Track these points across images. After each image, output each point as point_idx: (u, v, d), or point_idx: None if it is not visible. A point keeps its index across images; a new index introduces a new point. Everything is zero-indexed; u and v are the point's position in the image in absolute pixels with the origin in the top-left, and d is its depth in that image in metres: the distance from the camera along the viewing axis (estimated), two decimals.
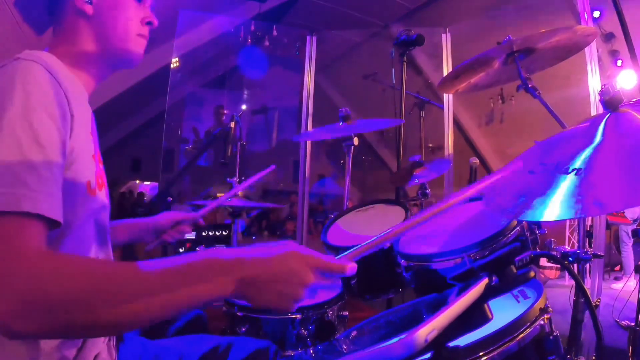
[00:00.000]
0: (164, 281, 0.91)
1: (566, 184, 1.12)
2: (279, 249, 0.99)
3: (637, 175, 1.07)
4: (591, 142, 1.22)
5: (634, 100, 1.40)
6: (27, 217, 0.91)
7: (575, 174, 1.13)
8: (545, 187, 1.16)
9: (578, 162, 1.17)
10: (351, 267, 1.01)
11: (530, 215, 1.13)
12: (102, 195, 1.29)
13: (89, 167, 1.18)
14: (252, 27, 8.08)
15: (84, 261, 1.00)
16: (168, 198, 3.63)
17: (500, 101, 9.37)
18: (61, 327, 0.86)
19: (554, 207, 1.09)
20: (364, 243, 1.08)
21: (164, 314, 0.92)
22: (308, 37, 6.09)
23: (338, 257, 1.05)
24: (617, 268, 7.69)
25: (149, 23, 1.40)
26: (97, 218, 1.26)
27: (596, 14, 5.98)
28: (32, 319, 0.83)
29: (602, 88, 1.35)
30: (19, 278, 0.84)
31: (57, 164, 1.00)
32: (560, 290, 5.98)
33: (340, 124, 2.90)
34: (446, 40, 5.74)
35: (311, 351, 1.47)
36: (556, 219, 1.06)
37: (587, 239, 4.19)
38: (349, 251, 1.07)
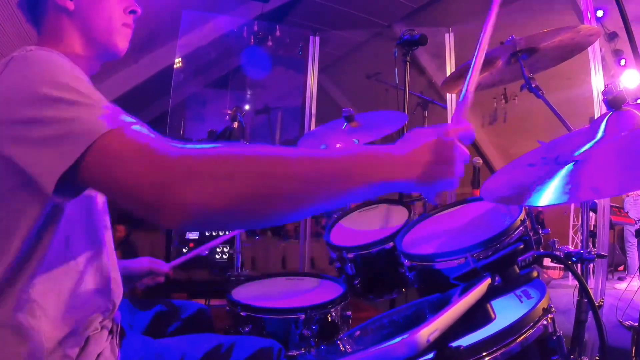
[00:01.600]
0: (343, 161, 0.95)
1: (564, 173, 1.13)
2: (420, 139, 1.03)
3: (633, 164, 1.07)
4: (592, 138, 1.23)
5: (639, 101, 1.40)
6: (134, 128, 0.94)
7: (573, 165, 1.14)
8: (544, 178, 1.17)
9: (577, 155, 1.18)
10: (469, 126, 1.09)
11: (527, 201, 1.14)
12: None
13: None
14: (255, 27, 8.08)
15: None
16: None
17: (503, 101, 9.36)
18: (242, 195, 0.88)
19: (549, 194, 1.10)
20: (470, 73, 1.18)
21: (337, 195, 0.95)
22: (311, 37, 6.09)
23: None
24: (621, 268, 7.68)
25: (133, 12, 1.38)
26: (93, 212, 1.26)
27: (599, 13, 5.98)
28: (211, 185, 0.86)
29: (605, 87, 1.35)
30: (182, 161, 0.87)
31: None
32: (563, 291, 5.97)
33: (344, 125, 2.90)
34: (449, 40, 5.73)
35: (314, 351, 1.47)
36: (549, 203, 1.08)
37: (591, 239, 4.18)
38: (458, 110, 1.13)
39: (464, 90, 1.15)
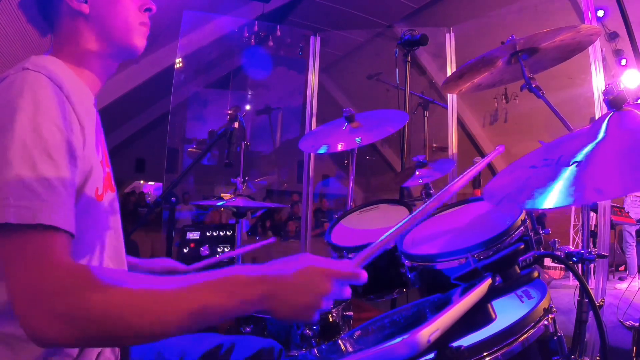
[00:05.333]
0: (194, 296, 0.94)
1: (566, 175, 1.13)
2: (298, 264, 1.03)
3: (636, 164, 1.07)
4: (594, 139, 1.23)
5: None
6: (45, 229, 0.92)
7: (576, 167, 1.14)
8: (546, 180, 1.16)
9: (579, 157, 1.17)
10: (363, 275, 1.08)
11: (530, 204, 1.14)
12: (110, 199, 1.29)
13: (98, 173, 1.18)
14: (256, 28, 8.09)
15: (115, 274, 1.02)
16: (172, 198, 3.64)
17: (504, 101, 9.38)
18: (93, 338, 0.89)
19: (554, 196, 1.09)
20: (371, 246, 1.15)
21: (192, 326, 0.95)
22: (312, 38, 6.09)
23: (350, 260, 1.11)
24: (622, 268, 7.68)
25: (148, 9, 1.38)
26: (105, 222, 1.26)
27: (600, 13, 5.98)
28: (65, 331, 0.86)
29: (606, 87, 1.35)
30: (52, 292, 0.87)
31: (68, 175, 1.01)
32: (564, 291, 5.97)
33: (345, 125, 2.90)
34: (450, 40, 5.73)
35: (315, 351, 1.47)
36: (554, 206, 1.07)
37: (592, 239, 4.18)
38: (357, 256, 1.13)
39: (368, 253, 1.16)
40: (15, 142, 0.94)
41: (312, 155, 5.73)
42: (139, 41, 1.37)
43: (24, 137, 0.95)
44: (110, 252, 1.29)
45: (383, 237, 1.15)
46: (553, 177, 1.15)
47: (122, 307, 0.89)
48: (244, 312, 0.99)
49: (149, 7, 1.38)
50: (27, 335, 0.86)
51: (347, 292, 1.09)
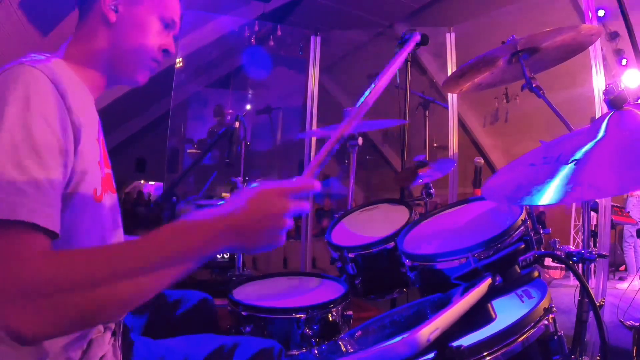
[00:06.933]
0: (159, 251, 0.95)
1: (564, 173, 1.14)
2: (247, 194, 1.03)
3: (634, 163, 1.08)
4: (593, 138, 1.23)
5: None
6: (24, 227, 0.91)
7: (575, 164, 1.14)
8: (545, 177, 1.17)
9: (578, 155, 1.18)
10: (317, 185, 1.08)
11: (528, 201, 1.14)
12: (110, 200, 1.29)
13: (95, 174, 1.18)
14: (256, 27, 8.09)
15: (81, 251, 1.02)
16: (173, 198, 3.64)
17: (504, 101, 9.36)
18: (72, 320, 0.89)
19: (551, 193, 1.10)
20: (318, 154, 1.16)
21: (163, 282, 0.96)
22: (312, 37, 6.08)
23: (301, 176, 1.11)
24: (622, 268, 7.67)
25: (166, 51, 1.38)
26: (104, 223, 1.26)
27: (601, 13, 5.97)
28: (43, 319, 0.85)
29: (606, 87, 1.35)
30: (23, 283, 0.85)
31: (55, 173, 1.00)
32: (564, 290, 5.97)
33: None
34: (450, 40, 5.73)
35: (316, 351, 1.47)
36: (551, 202, 1.08)
37: (592, 239, 4.18)
38: (308, 167, 1.14)
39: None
40: (3, 137, 0.93)
41: (312, 155, 5.73)
42: (142, 75, 1.38)
43: (12, 131, 0.94)
44: None
45: (325, 145, 1.17)
46: (551, 175, 1.16)
47: (93, 277, 0.89)
48: (213, 252, 1.00)
49: (169, 50, 1.38)
50: (6, 332, 0.85)
51: (306, 206, 1.09)
